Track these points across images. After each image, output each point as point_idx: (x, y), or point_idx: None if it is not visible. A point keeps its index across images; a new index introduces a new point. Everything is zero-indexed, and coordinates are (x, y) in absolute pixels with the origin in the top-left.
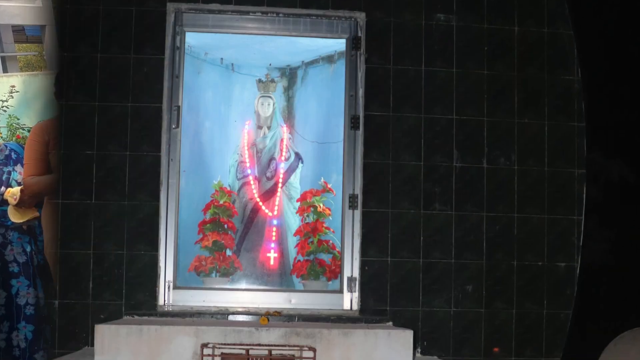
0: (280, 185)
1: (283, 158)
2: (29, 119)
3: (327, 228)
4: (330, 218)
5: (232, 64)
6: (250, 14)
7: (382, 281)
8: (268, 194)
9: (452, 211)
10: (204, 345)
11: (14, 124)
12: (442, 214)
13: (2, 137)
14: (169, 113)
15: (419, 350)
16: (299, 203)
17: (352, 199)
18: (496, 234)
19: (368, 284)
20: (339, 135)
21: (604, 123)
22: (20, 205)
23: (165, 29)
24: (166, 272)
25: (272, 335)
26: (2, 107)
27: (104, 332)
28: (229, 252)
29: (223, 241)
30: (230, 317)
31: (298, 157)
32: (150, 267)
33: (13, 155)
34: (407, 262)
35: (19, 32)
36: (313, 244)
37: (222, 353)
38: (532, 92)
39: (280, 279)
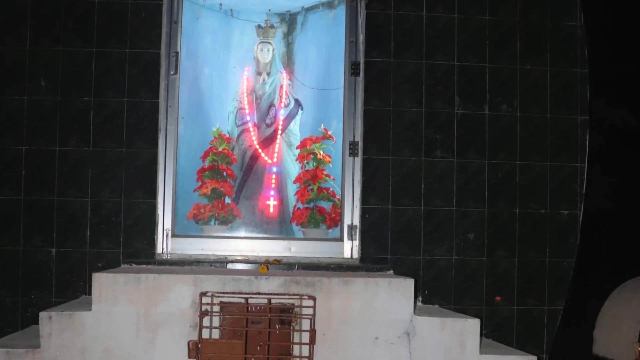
0: (279, 132)
1: (282, 104)
2: None
3: (327, 175)
4: (331, 165)
5: (231, 10)
6: None
7: (383, 229)
8: (267, 141)
9: (454, 158)
10: (203, 294)
11: None
12: (444, 161)
13: None
14: (167, 59)
15: (420, 299)
16: (298, 150)
17: (353, 146)
18: (498, 181)
19: (368, 232)
20: (339, 82)
21: (607, 69)
22: None
23: None
24: (164, 220)
25: (271, 284)
26: None
27: (101, 281)
28: (228, 200)
29: (222, 189)
30: (229, 266)
31: (298, 103)
32: (149, 215)
33: None
34: (408, 210)
35: None
36: (313, 192)
37: (220, 302)
38: (535, 37)
39: (280, 227)
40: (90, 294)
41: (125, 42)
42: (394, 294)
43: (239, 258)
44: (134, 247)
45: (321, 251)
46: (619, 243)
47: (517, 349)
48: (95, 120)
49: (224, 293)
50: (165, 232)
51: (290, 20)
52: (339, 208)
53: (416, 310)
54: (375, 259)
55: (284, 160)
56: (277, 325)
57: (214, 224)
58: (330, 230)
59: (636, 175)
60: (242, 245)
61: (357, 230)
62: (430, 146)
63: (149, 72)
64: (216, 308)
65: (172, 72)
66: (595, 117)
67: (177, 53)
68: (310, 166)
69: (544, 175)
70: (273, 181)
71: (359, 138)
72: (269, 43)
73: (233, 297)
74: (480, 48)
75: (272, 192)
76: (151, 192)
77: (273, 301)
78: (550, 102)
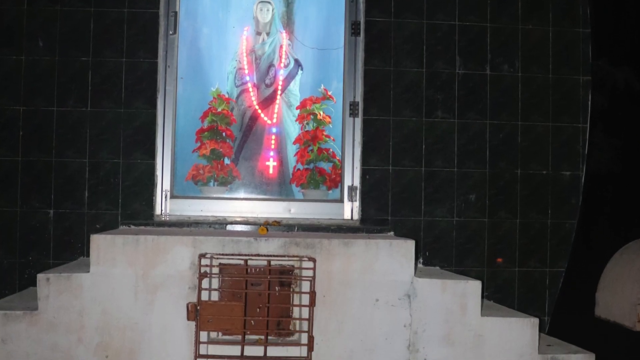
0: (279, 92)
1: (282, 65)
2: None
3: (327, 136)
4: (331, 126)
5: None
6: None
7: (383, 190)
8: (267, 102)
9: (455, 119)
10: (202, 256)
11: None
12: (445, 122)
13: None
14: (166, 19)
15: (421, 260)
16: (298, 111)
17: (353, 107)
18: (500, 142)
19: (369, 193)
20: (339, 42)
21: (609, 29)
22: None
23: None
24: (163, 181)
25: (271, 246)
26: None
27: (99, 242)
28: (227, 161)
29: (221, 149)
30: (229, 227)
31: (297, 63)
32: (147, 176)
33: None
34: (408, 171)
35: None
36: (313, 153)
37: (220, 263)
38: None
39: (280, 188)
40: (88, 255)
41: (124, 2)
42: (395, 255)
43: (238, 219)
44: (133, 208)
45: (321, 212)
46: (622, 204)
47: (518, 310)
48: (94, 80)
49: (223, 255)
50: (163, 193)
51: None
52: (339, 169)
53: (417, 272)
54: (375, 220)
55: (284, 121)
56: (276, 287)
57: (213, 185)
58: (331, 192)
59: (638, 136)
60: (241, 206)
61: (358, 192)
62: (431, 106)
63: (147, 32)
64: (215, 270)
65: (170, 32)
66: (597, 78)
67: (175, 13)
68: (310, 127)
69: (545, 136)
70: (273, 142)
71: (359, 98)
72: (269, 2)
73: (232, 258)
74: (481, 7)
75: (271, 153)
76: (150, 153)
77: (273, 263)
78: (552, 62)
